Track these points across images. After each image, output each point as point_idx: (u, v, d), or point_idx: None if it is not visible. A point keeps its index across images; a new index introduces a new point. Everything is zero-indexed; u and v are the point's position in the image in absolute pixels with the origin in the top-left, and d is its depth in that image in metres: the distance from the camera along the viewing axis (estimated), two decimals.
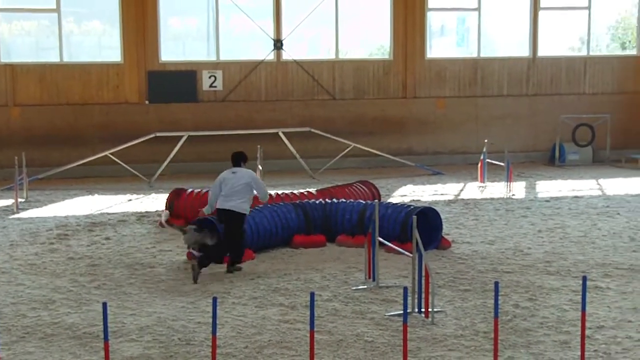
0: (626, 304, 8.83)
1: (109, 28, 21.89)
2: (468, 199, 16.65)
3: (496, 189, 17.72)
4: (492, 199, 16.63)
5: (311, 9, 22.04)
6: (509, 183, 17.14)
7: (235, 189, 10.42)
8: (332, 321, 8.29)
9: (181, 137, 19.88)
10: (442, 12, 23.47)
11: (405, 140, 22.65)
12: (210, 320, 5.33)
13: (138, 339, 7.77)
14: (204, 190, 13.78)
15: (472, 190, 17.95)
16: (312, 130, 20.82)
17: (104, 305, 5.47)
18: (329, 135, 20.83)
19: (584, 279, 5.89)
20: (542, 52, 23.36)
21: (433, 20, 23.36)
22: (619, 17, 24.59)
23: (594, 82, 23.58)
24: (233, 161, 10.83)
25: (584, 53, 23.75)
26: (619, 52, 24.37)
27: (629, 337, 7.72)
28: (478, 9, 22.97)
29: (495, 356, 5.84)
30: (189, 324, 8.24)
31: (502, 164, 17.80)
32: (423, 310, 8.42)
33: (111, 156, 19.50)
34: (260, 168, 17.07)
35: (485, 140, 19.00)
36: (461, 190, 18.08)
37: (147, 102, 21.45)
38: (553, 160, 22.76)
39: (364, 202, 12.58)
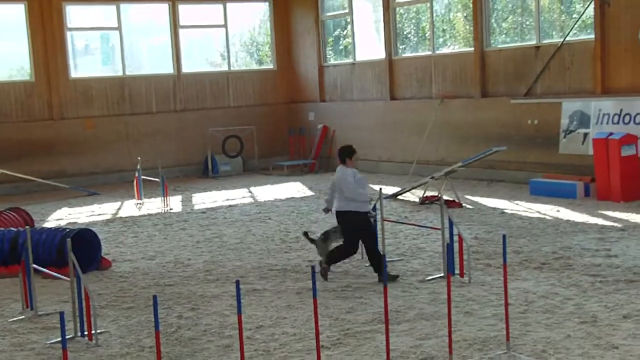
0: (281, 303, 9.39)
1: None
2: (126, 217, 16.59)
3: (153, 205, 17.85)
4: (150, 215, 16.73)
5: None
6: (165, 198, 17.36)
7: (335, 189, 10.42)
8: None
9: None
10: (85, 32, 23.15)
11: (57, 162, 21.96)
12: None
13: None
14: None
15: (130, 208, 17.91)
16: None
17: None
18: None
19: (237, 283, 6.16)
20: (186, 68, 23.93)
21: (76, 39, 22.91)
22: (251, 34, 25.98)
23: (237, 95, 24.67)
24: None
25: (225, 68, 24.75)
26: (258, 67, 25.74)
27: (285, 332, 8.23)
28: (119, 28, 22.95)
29: None
30: None
31: (157, 179, 17.98)
32: (86, 333, 8.28)
33: None
34: None
35: (139, 158, 19.06)
36: (119, 208, 17.95)
37: None
38: (207, 172, 23.42)
39: (15, 229, 12.02)
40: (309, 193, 19.01)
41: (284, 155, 24.71)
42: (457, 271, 9.94)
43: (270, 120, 24.86)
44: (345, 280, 10.31)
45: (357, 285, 9.99)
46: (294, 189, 19.93)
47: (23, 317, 9.23)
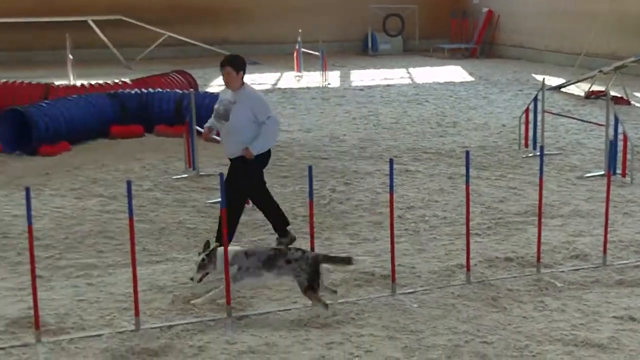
0: (433, 185, 9.39)
1: None
2: (285, 89, 16.85)
3: (312, 79, 18.01)
4: (308, 88, 16.92)
5: None
6: (324, 72, 17.46)
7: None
8: (153, 210, 8.30)
9: None
10: None
11: (221, 29, 22.38)
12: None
13: None
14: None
15: (289, 79, 18.16)
16: (124, 18, 20.12)
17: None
18: (142, 24, 20.21)
19: (391, 161, 6.13)
20: None
21: None
22: None
23: None
24: None
25: None
26: None
27: (436, 215, 8.25)
28: None
29: (312, 238, 6.07)
30: (4, 217, 7.99)
31: (317, 53, 18.06)
32: None
33: None
34: (71, 57, 16.39)
35: (299, 30, 19.14)
36: (278, 79, 18.24)
37: None
38: (366, 49, 23.30)
39: (180, 91, 12.46)
40: (469, 78, 18.62)
41: (445, 37, 24.15)
42: (618, 170, 9.58)
43: (433, 0, 24.24)
44: (500, 170, 10.16)
45: (512, 176, 9.83)
46: (453, 72, 19.56)
47: (186, 175, 9.67)
